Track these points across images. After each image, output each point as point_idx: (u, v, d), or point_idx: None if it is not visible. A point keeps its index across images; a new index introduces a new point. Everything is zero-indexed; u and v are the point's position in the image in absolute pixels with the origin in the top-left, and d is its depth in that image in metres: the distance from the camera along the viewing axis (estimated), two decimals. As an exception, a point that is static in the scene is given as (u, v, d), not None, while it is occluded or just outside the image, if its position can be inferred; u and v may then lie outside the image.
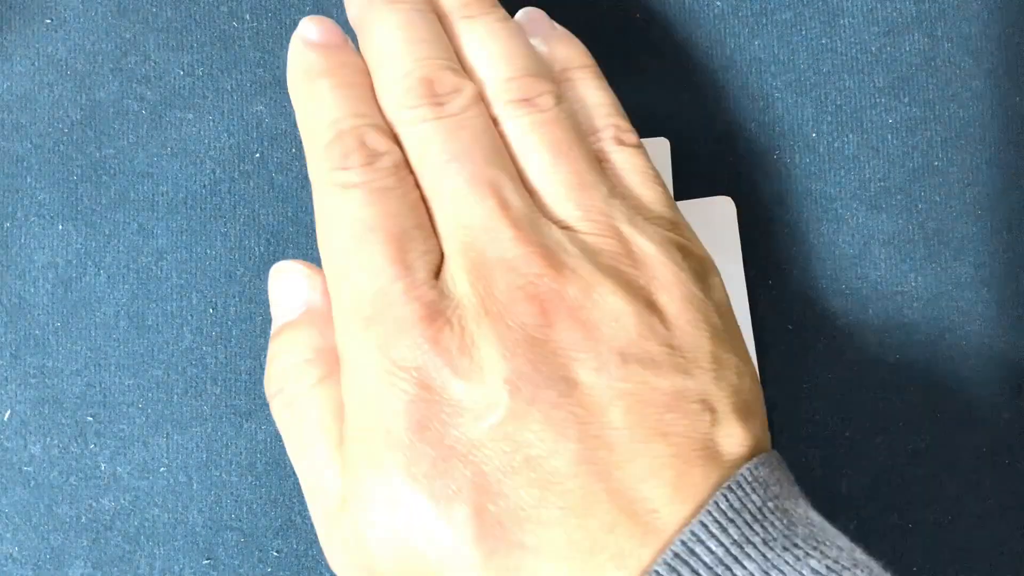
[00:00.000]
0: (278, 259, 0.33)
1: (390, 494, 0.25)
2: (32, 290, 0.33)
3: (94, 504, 0.33)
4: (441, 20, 0.29)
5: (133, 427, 0.33)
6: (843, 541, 0.24)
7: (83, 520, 0.33)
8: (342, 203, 0.27)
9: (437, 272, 0.26)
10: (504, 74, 0.28)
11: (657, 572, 0.23)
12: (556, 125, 0.28)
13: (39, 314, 0.33)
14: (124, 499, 0.33)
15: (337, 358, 0.27)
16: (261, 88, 0.34)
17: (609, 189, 0.27)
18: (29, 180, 0.34)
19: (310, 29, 0.29)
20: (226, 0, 0.34)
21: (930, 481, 0.33)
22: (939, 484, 0.33)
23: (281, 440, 0.33)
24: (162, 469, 0.33)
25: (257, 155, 0.34)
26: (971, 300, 0.34)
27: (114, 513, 0.33)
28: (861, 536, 0.33)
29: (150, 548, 0.33)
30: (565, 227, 0.27)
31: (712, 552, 0.23)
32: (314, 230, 0.33)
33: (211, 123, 0.34)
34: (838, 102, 0.34)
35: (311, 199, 0.34)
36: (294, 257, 0.33)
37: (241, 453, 0.33)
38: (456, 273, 0.26)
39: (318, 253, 0.33)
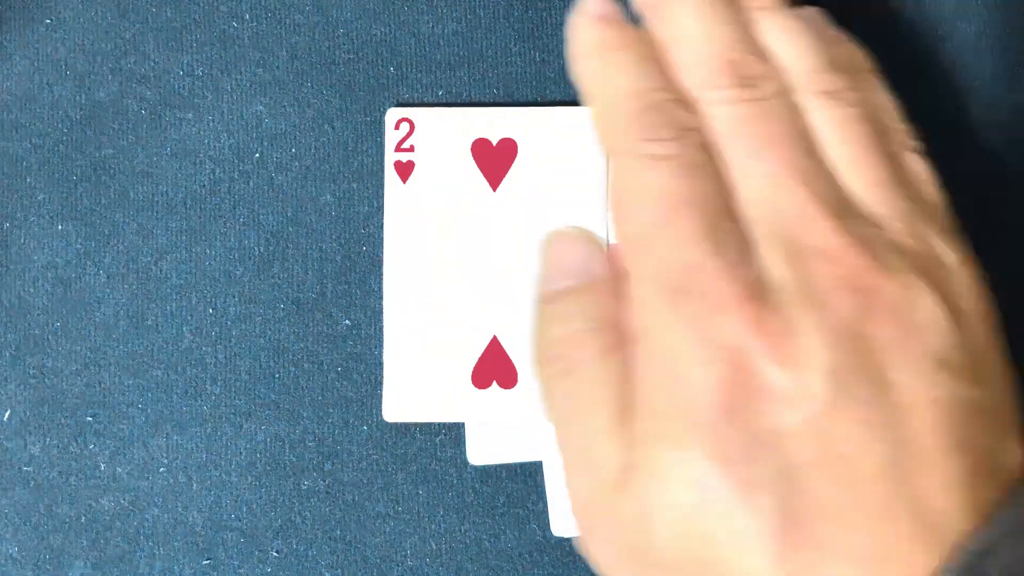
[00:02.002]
0: (278, 259, 0.33)
1: (689, 474, 0.24)
2: (32, 290, 0.33)
3: (94, 504, 0.33)
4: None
5: (133, 427, 0.33)
6: None
7: (83, 520, 0.33)
8: (652, 175, 0.26)
9: (745, 255, 0.26)
10: (809, 66, 0.28)
11: None
12: (862, 122, 0.27)
13: (39, 314, 0.33)
14: (124, 499, 0.33)
15: (619, 330, 0.27)
16: (261, 88, 0.34)
17: (908, 192, 0.27)
18: (29, 180, 0.34)
19: (596, 4, 0.28)
20: (226, 0, 0.34)
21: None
22: (939, 484, 0.33)
23: (281, 440, 0.33)
24: (162, 469, 0.33)
25: (257, 155, 0.34)
26: (971, 300, 0.34)
27: (114, 513, 0.33)
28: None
29: (150, 548, 0.33)
30: (874, 224, 0.26)
31: (1000, 565, 0.23)
32: (314, 230, 0.33)
33: (211, 123, 0.34)
34: (838, 102, 0.34)
35: (311, 199, 0.34)
36: (294, 257, 0.33)
37: (241, 453, 0.33)
38: (772, 258, 0.25)
39: (318, 253, 0.33)
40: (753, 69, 0.27)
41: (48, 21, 0.34)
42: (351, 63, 0.34)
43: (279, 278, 0.33)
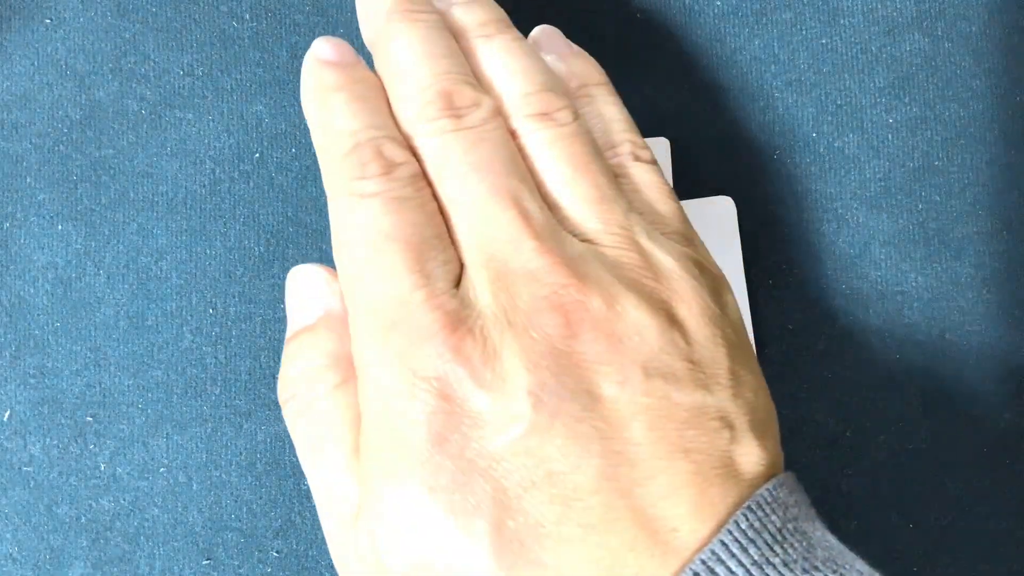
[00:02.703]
0: (278, 259, 0.33)
1: (407, 507, 0.25)
2: (32, 290, 0.33)
3: (94, 504, 0.33)
4: (456, 38, 0.29)
5: (133, 427, 0.33)
6: (861, 565, 0.24)
7: (83, 520, 0.33)
8: (360, 212, 0.26)
9: (457, 282, 0.26)
10: (522, 89, 0.28)
11: None
12: (575, 140, 0.28)
13: (39, 314, 0.33)
14: (124, 499, 0.33)
15: (354, 365, 0.27)
16: (261, 88, 0.34)
17: (627, 204, 0.27)
18: (29, 180, 0.34)
19: (324, 48, 0.29)
20: (226, 0, 0.34)
21: (930, 481, 0.33)
22: (939, 484, 0.33)
23: (281, 440, 0.33)
24: (162, 469, 0.33)
25: (257, 155, 0.34)
26: (971, 300, 0.34)
27: (114, 513, 0.33)
28: (861, 536, 0.33)
29: (150, 548, 0.33)
30: (586, 240, 0.27)
31: (732, 572, 0.23)
32: (314, 230, 0.33)
33: (211, 123, 0.34)
34: (838, 102, 0.34)
35: (311, 199, 0.34)
36: (294, 257, 0.33)
37: (241, 453, 0.33)
38: (478, 283, 0.26)
39: (318, 254, 0.33)
40: (464, 98, 0.27)
41: (48, 21, 0.34)
42: (351, 63, 0.34)
43: (279, 278, 0.33)
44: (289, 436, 0.33)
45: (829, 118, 0.34)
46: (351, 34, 0.34)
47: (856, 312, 0.34)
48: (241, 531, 0.33)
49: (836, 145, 0.34)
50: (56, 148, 0.34)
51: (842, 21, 0.34)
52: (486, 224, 0.26)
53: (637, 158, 0.29)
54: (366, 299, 0.26)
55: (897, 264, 0.34)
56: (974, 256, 0.34)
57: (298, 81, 0.34)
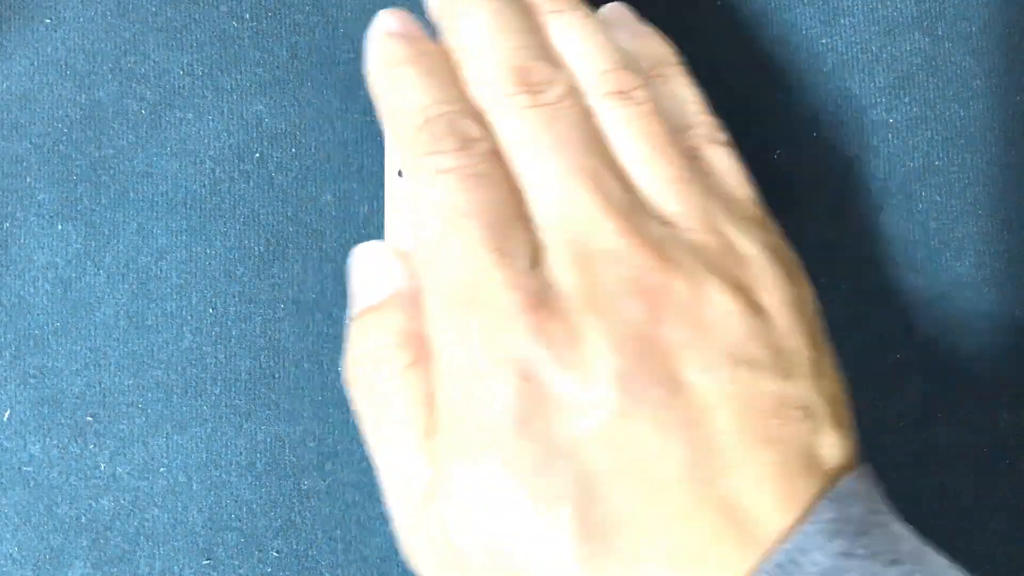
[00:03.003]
0: (278, 259, 0.33)
1: (484, 489, 0.24)
2: (32, 290, 0.33)
3: (94, 504, 0.33)
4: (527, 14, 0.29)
5: (133, 427, 0.33)
6: (943, 559, 0.24)
7: (83, 520, 0.33)
8: (435, 188, 0.26)
9: (535, 262, 0.25)
10: (598, 67, 0.28)
11: None
12: (652, 119, 0.27)
13: (39, 314, 0.33)
14: (124, 499, 0.33)
15: (424, 344, 0.26)
16: (261, 88, 0.34)
17: (706, 186, 0.27)
18: (29, 180, 0.34)
19: (389, 21, 0.28)
20: (226, 0, 0.34)
21: (930, 481, 0.33)
22: (939, 484, 0.33)
23: (281, 440, 0.33)
24: (162, 469, 0.33)
25: (257, 155, 0.34)
26: (971, 300, 0.34)
27: (114, 513, 0.33)
28: (861, 536, 0.33)
29: (150, 548, 0.33)
30: (666, 223, 0.26)
31: (817, 564, 0.23)
32: (314, 230, 0.33)
33: (211, 123, 0.34)
34: (838, 102, 0.34)
35: (311, 199, 0.34)
36: (294, 257, 0.33)
37: (241, 453, 0.33)
38: (558, 263, 0.25)
39: (318, 253, 0.33)
40: (541, 75, 0.27)
41: (48, 21, 0.34)
42: (351, 63, 0.34)
43: (279, 278, 0.33)
44: (289, 436, 0.33)
45: (829, 118, 0.34)
46: (351, 34, 0.34)
47: (857, 312, 0.34)
48: (241, 531, 0.33)
49: (836, 145, 0.34)
50: (56, 148, 0.34)
51: (842, 21, 0.34)
52: (566, 203, 0.26)
53: (713, 140, 0.28)
54: (443, 277, 0.26)
55: (897, 264, 0.34)
56: (974, 256, 0.34)
57: (299, 81, 0.34)
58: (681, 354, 0.24)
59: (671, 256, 0.25)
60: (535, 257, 0.25)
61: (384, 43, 0.28)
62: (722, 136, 0.28)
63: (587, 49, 0.28)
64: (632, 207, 0.26)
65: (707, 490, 0.24)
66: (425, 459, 0.26)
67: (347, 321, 0.29)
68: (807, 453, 0.24)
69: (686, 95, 0.29)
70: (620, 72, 0.28)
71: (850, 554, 0.23)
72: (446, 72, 0.28)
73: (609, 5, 0.30)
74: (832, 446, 0.25)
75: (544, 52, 0.28)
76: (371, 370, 0.27)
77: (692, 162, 0.27)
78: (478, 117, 0.27)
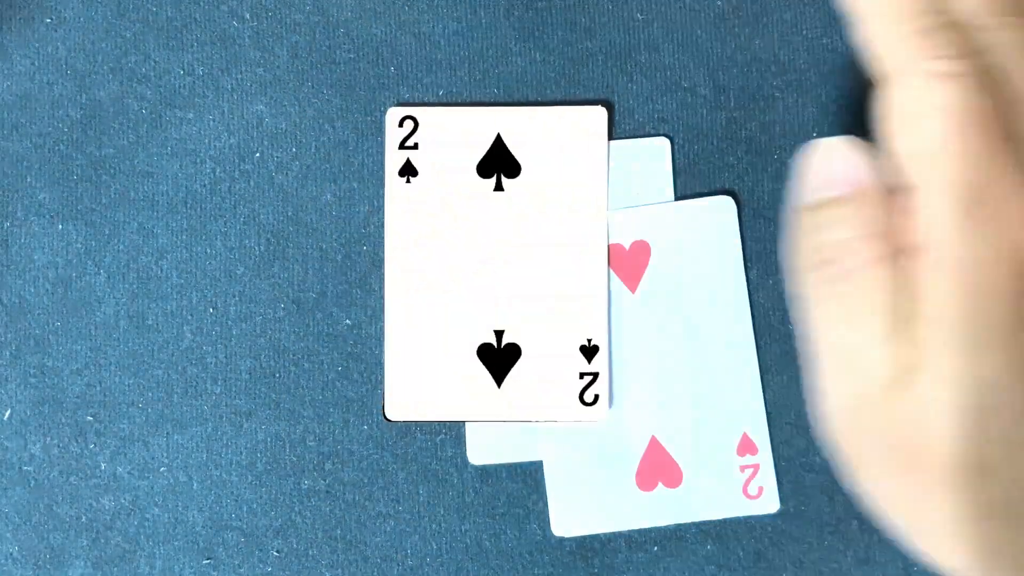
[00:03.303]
0: (278, 259, 0.33)
1: (983, 380, 0.25)
2: (32, 290, 0.33)
3: (94, 504, 0.33)
4: None
5: (133, 427, 0.33)
6: None
7: (83, 520, 0.33)
8: (941, 92, 0.26)
9: None
10: None
11: None
12: None
13: (39, 314, 0.33)
14: (124, 499, 0.33)
15: (889, 240, 0.27)
16: (261, 88, 0.34)
17: None
18: (29, 180, 0.34)
19: None
20: (226, 0, 0.34)
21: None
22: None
23: (281, 440, 0.33)
24: (162, 469, 0.33)
25: (257, 155, 0.34)
26: (971, 300, 0.34)
27: (114, 513, 0.33)
28: (862, 536, 0.33)
29: (150, 548, 0.33)
30: None
31: None
32: (314, 230, 0.33)
33: (211, 123, 0.34)
34: (838, 102, 0.34)
35: (311, 199, 0.34)
36: (294, 257, 0.33)
37: (241, 453, 0.33)
38: None
39: (318, 253, 0.33)
40: None
41: (48, 21, 0.34)
42: (351, 63, 0.34)
43: (279, 278, 0.33)
44: (289, 436, 0.33)
45: (829, 118, 0.34)
46: (351, 33, 0.34)
47: (856, 312, 0.34)
48: (241, 531, 0.33)
49: (836, 145, 0.34)
50: (56, 148, 0.34)
51: (842, 21, 0.34)
52: None
53: None
54: (948, 177, 0.26)
55: (897, 264, 0.34)
56: (974, 256, 0.34)
57: (299, 81, 0.34)
58: None
59: None
60: None
61: None
62: None
63: None
64: None
65: None
66: (895, 348, 0.26)
67: (794, 210, 0.29)
68: None
69: None
70: None
71: None
72: None
73: None
74: None
75: None
76: (838, 259, 0.28)
77: None
78: (966, 31, 0.28)
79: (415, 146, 0.33)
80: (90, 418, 0.33)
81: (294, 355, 0.33)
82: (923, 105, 0.27)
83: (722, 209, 0.33)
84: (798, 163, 0.29)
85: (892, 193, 0.28)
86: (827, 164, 0.29)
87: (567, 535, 0.33)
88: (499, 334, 0.33)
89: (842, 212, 0.28)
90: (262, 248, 0.33)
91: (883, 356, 0.26)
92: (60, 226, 0.33)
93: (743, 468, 0.33)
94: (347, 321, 0.33)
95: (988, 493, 0.25)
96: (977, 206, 0.26)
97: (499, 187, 0.33)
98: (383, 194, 0.33)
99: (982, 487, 0.25)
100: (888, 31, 0.28)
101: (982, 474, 0.25)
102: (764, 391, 0.33)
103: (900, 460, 0.26)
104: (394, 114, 0.33)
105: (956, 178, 0.26)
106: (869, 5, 0.29)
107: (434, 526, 0.33)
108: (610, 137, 0.33)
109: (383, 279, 0.33)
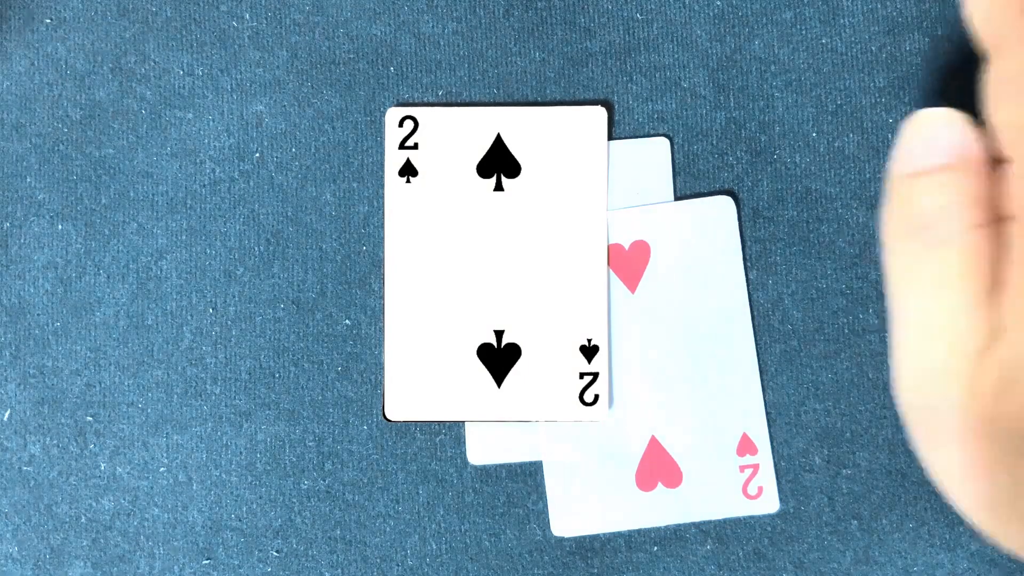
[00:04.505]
0: (278, 259, 0.33)
1: None
2: (32, 290, 0.33)
3: (94, 504, 0.33)
4: None
5: (133, 427, 0.33)
6: None
7: (83, 520, 0.33)
8: None
9: None
10: None
11: None
12: None
13: (39, 314, 0.33)
14: (124, 499, 0.33)
15: (986, 209, 0.27)
16: (261, 88, 0.34)
17: None
18: (29, 180, 0.34)
19: None
20: (226, 0, 0.34)
21: (930, 481, 0.33)
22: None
23: (281, 440, 0.33)
24: (162, 469, 0.33)
25: (257, 155, 0.34)
26: (971, 300, 0.34)
27: (114, 513, 0.33)
28: (862, 536, 0.33)
29: (150, 548, 0.33)
30: None
31: None
32: (314, 230, 0.33)
33: (211, 123, 0.34)
34: (838, 102, 0.34)
35: (311, 199, 0.34)
36: (294, 257, 0.33)
37: (241, 453, 0.33)
38: None
39: (318, 253, 0.33)
40: None
41: (48, 21, 0.34)
42: (351, 63, 0.34)
43: (279, 278, 0.33)
44: (289, 436, 0.33)
45: (829, 118, 0.34)
46: (351, 33, 0.34)
47: (856, 312, 0.34)
48: (241, 531, 0.33)
49: (836, 145, 0.34)
50: (56, 148, 0.34)
51: (842, 21, 0.34)
52: None
53: None
54: None
55: (897, 264, 0.34)
56: (974, 256, 0.34)
57: (299, 81, 0.34)
58: None
59: None
60: None
61: None
62: None
63: None
64: None
65: None
66: (987, 313, 0.27)
67: (892, 178, 0.29)
68: None
69: None
70: None
71: None
72: None
73: None
74: None
75: None
76: (939, 224, 0.28)
77: None
78: None
79: (415, 146, 0.33)
80: (90, 418, 0.33)
81: (294, 355, 0.33)
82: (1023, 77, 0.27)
83: (722, 209, 0.33)
84: (899, 132, 0.30)
85: (990, 164, 0.28)
86: (929, 133, 0.29)
87: (567, 535, 0.33)
88: (499, 334, 0.33)
89: (943, 179, 0.28)
90: (262, 248, 0.34)
91: (976, 321, 0.27)
92: (60, 226, 0.33)
93: (743, 468, 0.33)
94: (347, 321, 0.33)
95: None
96: None
97: (499, 187, 0.33)
98: (383, 194, 0.33)
99: None
100: (995, 8, 0.28)
101: None
102: (764, 391, 0.33)
103: (989, 425, 0.26)
104: (394, 114, 0.33)
105: None
106: None
107: (434, 526, 0.33)
108: (610, 137, 0.33)
109: (383, 279, 0.33)
